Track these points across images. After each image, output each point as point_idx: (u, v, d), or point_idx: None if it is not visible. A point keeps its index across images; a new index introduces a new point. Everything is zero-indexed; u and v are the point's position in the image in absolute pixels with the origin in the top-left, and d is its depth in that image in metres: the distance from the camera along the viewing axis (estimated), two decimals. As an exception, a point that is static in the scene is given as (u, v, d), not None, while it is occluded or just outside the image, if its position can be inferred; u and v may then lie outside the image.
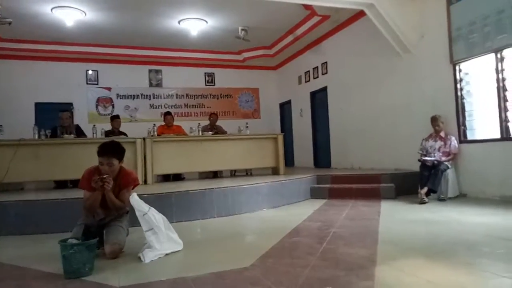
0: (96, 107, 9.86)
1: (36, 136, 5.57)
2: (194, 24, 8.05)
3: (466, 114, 5.49)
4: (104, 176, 2.85)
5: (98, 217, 3.07)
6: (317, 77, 9.32)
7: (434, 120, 5.52)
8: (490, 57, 5.02)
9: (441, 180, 5.12)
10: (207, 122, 7.77)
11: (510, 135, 4.84)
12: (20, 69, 9.11)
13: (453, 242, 2.97)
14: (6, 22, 6.58)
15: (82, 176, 3.04)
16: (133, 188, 3.14)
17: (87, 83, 9.81)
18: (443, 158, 5.30)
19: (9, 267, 2.77)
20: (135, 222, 3.05)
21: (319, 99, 9.38)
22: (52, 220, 3.93)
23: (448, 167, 5.24)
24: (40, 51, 8.94)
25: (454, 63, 5.53)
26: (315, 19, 7.83)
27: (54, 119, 6.61)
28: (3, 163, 5.14)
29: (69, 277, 2.41)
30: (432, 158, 5.26)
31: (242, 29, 8.30)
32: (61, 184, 6.02)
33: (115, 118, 7.13)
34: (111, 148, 3.01)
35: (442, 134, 5.47)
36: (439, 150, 5.38)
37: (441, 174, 5.12)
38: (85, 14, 7.32)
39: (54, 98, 9.22)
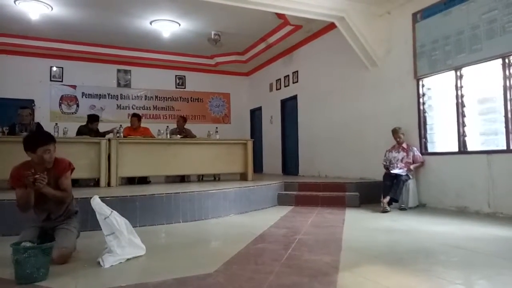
0: (60, 105, 9.48)
1: (-8, 133, 5.29)
2: (166, 26, 7.94)
3: (427, 127, 5.74)
4: (37, 175, 2.64)
5: (43, 215, 2.95)
6: (288, 85, 9.45)
7: (395, 132, 5.75)
8: (451, 74, 5.31)
9: (402, 190, 5.32)
10: (176, 125, 7.66)
11: (467, 148, 5.10)
12: (-22, 61, 8.63)
13: (412, 250, 3.09)
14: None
15: (11, 176, 2.81)
16: (71, 173, 3.00)
17: (50, 80, 9.42)
18: (412, 165, 5.50)
19: (-46, 272, 2.57)
20: (95, 226, 2.93)
21: (289, 107, 9.50)
22: (5, 222, 3.71)
23: (409, 178, 5.45)
24: (0, 44, 8.49)
25: (417, 78, 5.79)
26: (288, 28, 7.96)
27: (13, 116, 6.28)
28: (-46, 160, 4.81)
29: (21, 283, 2.29)
30: (401, 171, 5.42)
31: (215, 34, 8.29)
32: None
33: (95, 121, 6.85)
34: (48, 135, 2.91)
35: (404, 145, 5.69)
36: (402, 161, 5.58)
37: (402, 184, 5.32)
38: (51, 9, 7.04)
39: (14, 94, 8.79)
